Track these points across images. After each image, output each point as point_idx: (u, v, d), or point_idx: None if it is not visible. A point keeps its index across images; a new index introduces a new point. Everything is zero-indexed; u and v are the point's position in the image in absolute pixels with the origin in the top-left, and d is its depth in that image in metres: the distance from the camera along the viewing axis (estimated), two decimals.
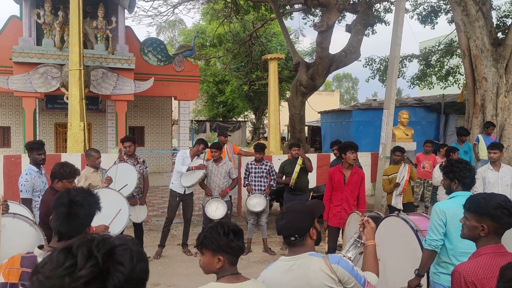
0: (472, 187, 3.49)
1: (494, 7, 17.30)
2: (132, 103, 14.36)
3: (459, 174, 3.36)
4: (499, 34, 12.34)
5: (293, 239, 2.27)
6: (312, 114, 19.41)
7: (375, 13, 15.55)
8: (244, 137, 28.69)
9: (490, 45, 10.25)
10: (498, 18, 17.35)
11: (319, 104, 23.77)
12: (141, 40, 13.75)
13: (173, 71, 13.79)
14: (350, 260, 2.58)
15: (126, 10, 12.17)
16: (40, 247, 2.16)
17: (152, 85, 12.00)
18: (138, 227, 6.73)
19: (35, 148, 5.33)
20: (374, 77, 19.02)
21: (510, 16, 16.66)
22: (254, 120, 28.14)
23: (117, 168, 6.14)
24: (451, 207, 3.28)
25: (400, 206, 7.04)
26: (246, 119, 30.54)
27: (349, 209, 5.63)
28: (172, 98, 15.44)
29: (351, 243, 2.68)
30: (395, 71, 9.18)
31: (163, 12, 17.11)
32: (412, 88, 21.01)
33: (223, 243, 2.10)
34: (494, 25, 11.44)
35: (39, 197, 5.34)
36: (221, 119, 29.48)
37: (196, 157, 7.21)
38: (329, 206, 5.95)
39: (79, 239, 0.96)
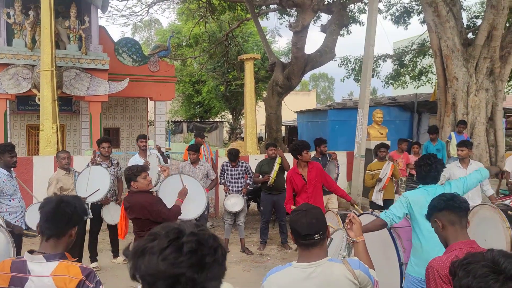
0: (430, 181, 3.69)
1: (465, 8, 17.77)
2: (106, 104, 14.14)
3: (418, 168, 3.73)
4: (470, 35, 12.66)
5: (318, 237, 2.18)
6: (289, 113, 19.51)
7: (349, 14, 15.76)
8: (222, 137, 28.63)
9: (460, 45, 10.52)
10: (468, 19, 17.82)
11: (296, 104, 23.89)
12: (116, 40, 13.57)
13: (148, 71, 13.66)
14: (343, 258, 2.59)
15: (99, 10, 11.99)
16: (30, 251, 2.14)
17: (127, 85, 11.86)
18: (113, 229, 6.63)
19: (7, 150, 5.20)
20: (349, 77, 19.26)
21: (480, 17, 17.10)
22: (231, 121, 28.09)
23: (90, 171, 6.03)
24: (413, 194, 3.66)
25: (380, 202, 7.16)
26: (223, 120, 30.47)
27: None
28: (148, 98, 15.29)
29: (344, 243, 2.69)
30: (369, 71, 9.33)
31: (138, 12, 16.92)
32: (386, 88, 21.43)
33: None
34: (465, 26, 11.76)
35: (10, 200, 5.22)
36: (198, 119, 29.32)
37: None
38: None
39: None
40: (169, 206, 4.19)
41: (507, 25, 11.11)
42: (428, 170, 3.63)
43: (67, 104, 14.45)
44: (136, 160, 7.14)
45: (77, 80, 11.09)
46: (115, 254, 6.78)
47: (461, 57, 10.46)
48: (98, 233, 6.67)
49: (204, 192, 5.22)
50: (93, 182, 5.85)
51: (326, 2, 12.65)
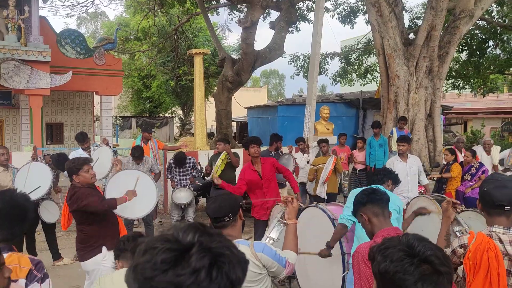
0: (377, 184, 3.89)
1: (407, 9, 18.57)
2: (49, 98, 13.54)
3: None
4: (412, 35, 13.26)
5: (228, 218, 2.40)
6: (240, 109, 19.58)
7: (298, 12, 16.01)
8: (172, 133, 28.21)
9: (402, 45, 10.99)
10: (410, 19, 18.65)
11: (247, 100, 24.00)
12: (58, 32, 13.01)
13: (93, 64, 13.21)
14: (274, 240, 2.77)
15: (40, 0, 11.44)
16: None
17: (70, 79, 11.38)
18: (50, 229, 6.33)
19: None
20: (299, 74, 19.61)
21: (421, 18, 17.95)
22: (182, 116, 27.74)
23: (29, 167, 5.77)
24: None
25: (324, 196, 7.35)
26: (173, 115, 30.03)
27: (272, 201, 5.77)
28: (94, 93, 14.79)
29: (274, 223, 2.84)
30: (316, 68, 9.54)
31: (82, 3, 16.30)
32: (334, 85, 22.01)
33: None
34: (407, 26, 12.30)
35: None
36: (147, 115, 28.71)
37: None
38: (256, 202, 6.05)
39: None
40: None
41: (446, 26, 11.72)
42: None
43: (6, 98, 13.70)
44: (79, 153, 6.89)
45: (16, 73, 10.54)
46: (56, 256, 6.46)
47: (402, 56, 10.93)
48: (34, 232, 6.38)
49: (156, 194, 5.11)
50: (32, 179, 5.59)
51: None
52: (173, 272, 0.90)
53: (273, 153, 7.92)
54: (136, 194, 4.30)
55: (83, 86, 13.04)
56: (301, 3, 15.87)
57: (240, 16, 16.70)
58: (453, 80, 19.73)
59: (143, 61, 25.14)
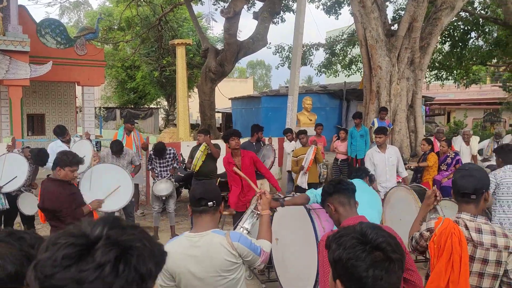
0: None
1: (391, 0, 18.64)
2: (30, 88, 13.35)
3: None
4: (395, 26, 13.32)
5: (211, 204, 2.42)
6: (226, 100, 19.51)
7: (283, 2, 15.96)
8: (157, 124, 28.01)
9: (384, 36, 11.05)
10: (394, 10, 18.72)
11: (233, 91, 23.88)
12: (38, 21, 12.77)
13: (75, 54, 13.02)
14: (247, 230, 2.84)
15: None
16: None
17: (50, 69, 11.23)
18: (29, 221, 6.29)
19: None
20: (284, 65, 19.57)
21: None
22: (166, 107, 27.54)
23: (5, 158, 5.70)
24: None
25: (305, 186, 7.42)
26: (158, 106, 29.78)
27: (249, 193, 5.81)
28: (76, 83, 14.61)
29: (248, 214, 2.92)
30: (298, 58, 9.54)
31: None
32: (319, 76, 22.07)
33: None
34: (391, 17, 12.36)
35: None
36: (132, 106, 28.43)
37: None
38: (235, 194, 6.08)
39: None
40: (89, 194, 4.10)
41: (427, 17, 11.79)
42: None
43: None
44: (58, 145, 6.83)
45: None
46: None
47: (385, 47, 11.00)
48: (13, 224, 6.33)
49: (132, 185, 5.08)
50: (8, 170, 5.53)
51: None
52: (76, 268, 0.85)
53: (254, 143, 7.95)
54: (101, 206, 4.27)
55: (64, 76, 12.86)
56: None
57: (224, 6, 16.58)
58: (436, 71, 19.92)
59: (127, 51, 24.85)
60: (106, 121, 26.69)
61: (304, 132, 7.80)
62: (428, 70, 20.19)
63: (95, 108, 26.15)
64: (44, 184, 4.05)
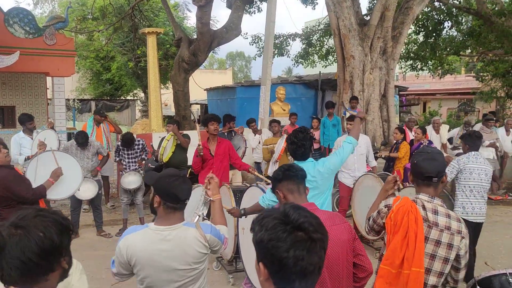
0: (300, 158, 3.67)
1: None
2: None
3: (288, 146, 3.75)
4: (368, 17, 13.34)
5: (187, 201, 2.38)
6: (204, 92, 19.34)
7: None
8: (134, 116, 27.64)
9: (357, 25, 11.05)
10: (370, 0, 18.76)
11: (212, 82, 23.71)
12: (6, 10, 12.34)
13: (44, 44, 12.62)
14: (204, 217, 2.79)
15: None
16: None
17: (19, 59, 10.87)
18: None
19: None
20: (261, 55, 19.46)
21: None
22: (143, 99, 27.18)
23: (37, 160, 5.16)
24: None
25: None
26: (135, 98, 29.37)
27: (218, 175, 5.76)
28: (45, 74, 14.23)
29: (202, 201, 2.87)
30: (270, 48, 9.49)
31: None
32: (296, 66, 21.99)
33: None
34: (367, 8, 12.34)
35: None
36: (108, 98, 27.96)
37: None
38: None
39: None
40: (37, 183, 3.96)
41: (401, 6, 11.84)
42: (294, 148, 3.61)
43: None
44: (21, 137, 6.65)
45: None
46: None
47: (357, 37, 11.01)
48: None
49: (80, 171, 4.93)
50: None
51: None
52: None
53: (226, 133, 7.88)
54: (61, 172, 4.16)
55: (33, 67, 12.48)
56: None
57: None
58: (411, 62, 20.10)
59: (102, 42, 24.39)
60: (81, 113, 26.22)
61: (276, 121, 7.79)
62: (403, 60, 20.40)
63: (69, 100, 25.66)
64: None
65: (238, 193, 5.36)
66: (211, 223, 2.58)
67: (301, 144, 3.59)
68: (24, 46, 12.00)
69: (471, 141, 4.75)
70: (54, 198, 4.52)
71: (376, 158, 8.30)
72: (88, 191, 6.71)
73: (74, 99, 26.49)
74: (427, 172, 2.46)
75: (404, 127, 9.15)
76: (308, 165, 3.57)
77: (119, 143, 7.39)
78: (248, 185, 5.63)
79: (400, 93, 19.15)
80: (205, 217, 2.84)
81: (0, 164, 3.83)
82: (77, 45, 23.43)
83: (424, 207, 2.44)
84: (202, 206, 2.85)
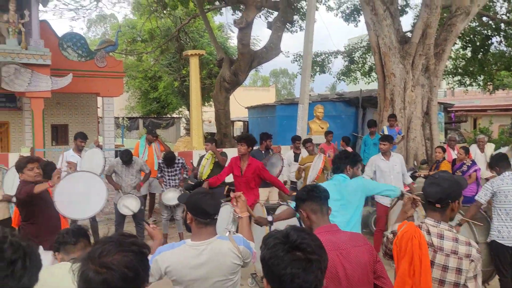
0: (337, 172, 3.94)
1: (412, 7, 18.45)
2: (54, 100, 13.85)
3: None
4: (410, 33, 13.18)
5: (216, 217, 2.54)
6: (245, 109, 19.69)
7: (301, 11, 16.03)
8: (179, 133, 28.44)
9: (397, 43, 10.96)
10: (414, 17, 18.50)
11: (254, 100, 24.00)
12: (61, 35, 13.25)
13: (95, 67, 13.41)
14: (233, 231, 2.93)
15: (40, 4, 11.69)
16: None
17: (71, 81, 11.60)
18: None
19: None
20: None
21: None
22: (188, 117, 27.94)
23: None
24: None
25: None
26: (180, 116, 30.25)
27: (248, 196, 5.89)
28: (96, 94, 15.04)
29: (231, 217, 3.05)
30: (308, 67, 9.59)
31: (86, 6, 16.57)
32: (339, 83, 21.97)
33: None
34: (411, 24, 12.21)
35: None
36: (154, 115, 28.98)
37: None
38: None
39: None
40: (65, 203, 4.31)
41: (443, 23, 11.65)
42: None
43: (12, 101, 14.03)
44: (70, 155, 7.09)
45: (17, 76, 10.79)
46: None
47: (398, 54, 10.90)
48: None
49: (105, 190, 5.15)
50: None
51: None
52: None
53: (263, 151, 8.00)
54: (60, 172, 4.45)
55: (85, 88, 13.26)
56: (302, 2, 15.89)
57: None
58: (459, 77, 19.53)
59: (151, 62, 25.44)
60: (129, 130, 27.29)
61: (309, 140, 7.84)
62: (450, 76, 19.85)
63: (118, 118, 26.80)
64: (18, 187, 4.38)
65: (272, 211, 5.47)
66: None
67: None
68: (76, 68, 12.80)
69: (497, 162, 4.66)
70: (75, 217, 4.83)
71: (415, 177, 8.14)
72: (131, 206, 7.03)
73: (123, 117, 27.65)
74: (428, 196, 2.47)
75: (446, 146, 8.93)
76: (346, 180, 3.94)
77: (160, 161, 7.70)
78: (281, 203, 5.72)
79: (448, 109, 18.60)
80: (234, 233, 3.00)
81: (28, 180, 4.23)
82: (127, 66, 24.57)
83: (429, 232, 2.42)
84: (232, 223, 3.03)
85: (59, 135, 15.47)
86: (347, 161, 4.09)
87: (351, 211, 3.76)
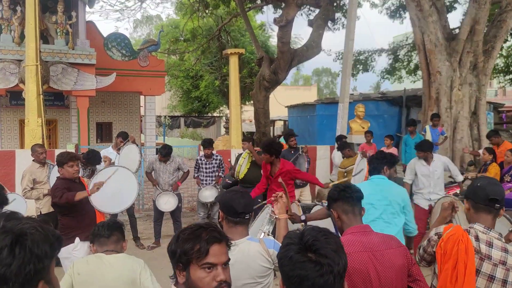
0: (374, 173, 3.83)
1: (461, 3, 17.70)
2: (99, 98, 14.31)
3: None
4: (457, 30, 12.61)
5: (248, 217, 2.48)
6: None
7: (343, 8, 15.73)
8: (219, 132, 28.73)
9: (443, 40, 10.50)
10: (463, 13, 17.73)
11: (296, 99, 23.80)
12: (106, 36, 13.68)
13: (138, 66, 13.77)
14: (269, 233, 2.94)
15: (87, 5, 12.10)
16: None
17: (114, 80, 11.96)
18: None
19: None
20: None
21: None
22: (228, 115, 28.20)
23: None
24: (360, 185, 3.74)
25: None
26: (221, 114, 30.55)
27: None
28: (139, 93, 15.42)
29: (267, 218, 3.00)
30: (349, 65, 9.38)
31: (131, 7, 17.02)
32: (383, 82, 21.45)
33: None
34: (460, 20, 11.68)
35: None
36: (196, 114, 29.41)
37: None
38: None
39: None
40: (98, 198, 4.39)
41: (493, 19, 11.07)
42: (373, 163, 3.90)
43: (60, 99, 14.63)
44: (109, 152, 7.27)
45: (64, 75, 11.23)
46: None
47: (444, 52, 10.45)
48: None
49: (136, 186, 5.17)
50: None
51: None
52: None
53: (292, 152, 7.86)
54: (101, 185, 4.47)
55: (128, 87, 13.64)
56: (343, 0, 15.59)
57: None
58: (511, 76, 18.58)
59: (192, 62, 25.82)
60: (171, 129, 27.82)
61: (348, 146, 7.68)
62: (502, 74, 18.88)
63: (160, 116, 27.38)
64: (55, 182, 4.47)
65: (307, 210, 5.39)
66: (274, 239, 2.64)
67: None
68: (120, 67, 13.19)
69: None
70: (108, 211, 4.93)
71: (463, 180, 7.78)
72: (168, 203, 7.13)
73: (165, 116, 28.23)
74: (493, 194, 2.31)
75: (494, 147, 8.47)
76: (384, 181, 3.84)
77: (198, 156, 7.73)
78: (317, 202, 5.61)
79: (499, 109, 17.71)
80: (270, 235, 2.92)
81: (64, 177, 4.32)
82: (169, 65, 25.07)
83: (477, 238, 2.27)
84: (268, 224, 2.97)
85: (103, 132, 15.99)
86: (384, 162, 3.95)
87: (398, 211, 3.66)
